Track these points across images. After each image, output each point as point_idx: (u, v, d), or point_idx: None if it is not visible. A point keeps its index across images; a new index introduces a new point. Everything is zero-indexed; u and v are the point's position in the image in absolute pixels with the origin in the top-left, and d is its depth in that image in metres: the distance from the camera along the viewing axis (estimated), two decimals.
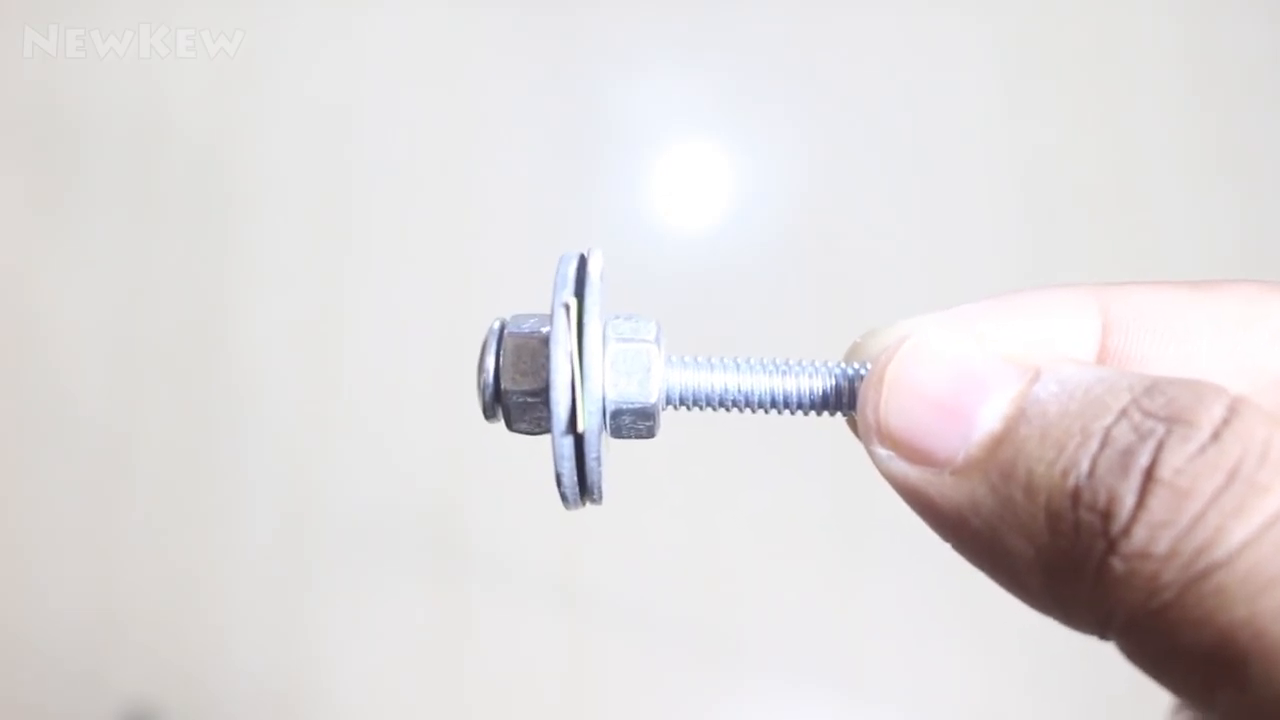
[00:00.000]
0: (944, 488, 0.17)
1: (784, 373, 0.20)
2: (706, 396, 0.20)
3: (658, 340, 0.20)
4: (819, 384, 0.20)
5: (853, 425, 0.20)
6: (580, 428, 0.18)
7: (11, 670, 0.92)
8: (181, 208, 1.00)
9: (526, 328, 0.20)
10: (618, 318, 0.20)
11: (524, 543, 0.92)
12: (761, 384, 0.20)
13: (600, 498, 0.19)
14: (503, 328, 0.20)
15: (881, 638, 0.91)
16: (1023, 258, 0.98)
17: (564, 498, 0.19)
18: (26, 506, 0.94)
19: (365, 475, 0.94)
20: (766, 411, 0.20)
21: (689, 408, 0.20)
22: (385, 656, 0.91)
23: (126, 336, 0.97)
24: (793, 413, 0.20)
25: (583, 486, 0.19)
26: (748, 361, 0.20)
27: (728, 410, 0.20)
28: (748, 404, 0.20)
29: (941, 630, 0.90)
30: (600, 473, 0.19)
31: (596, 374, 0.18)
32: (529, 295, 0.99)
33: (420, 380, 0.95)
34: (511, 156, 1.01)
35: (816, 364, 0.20)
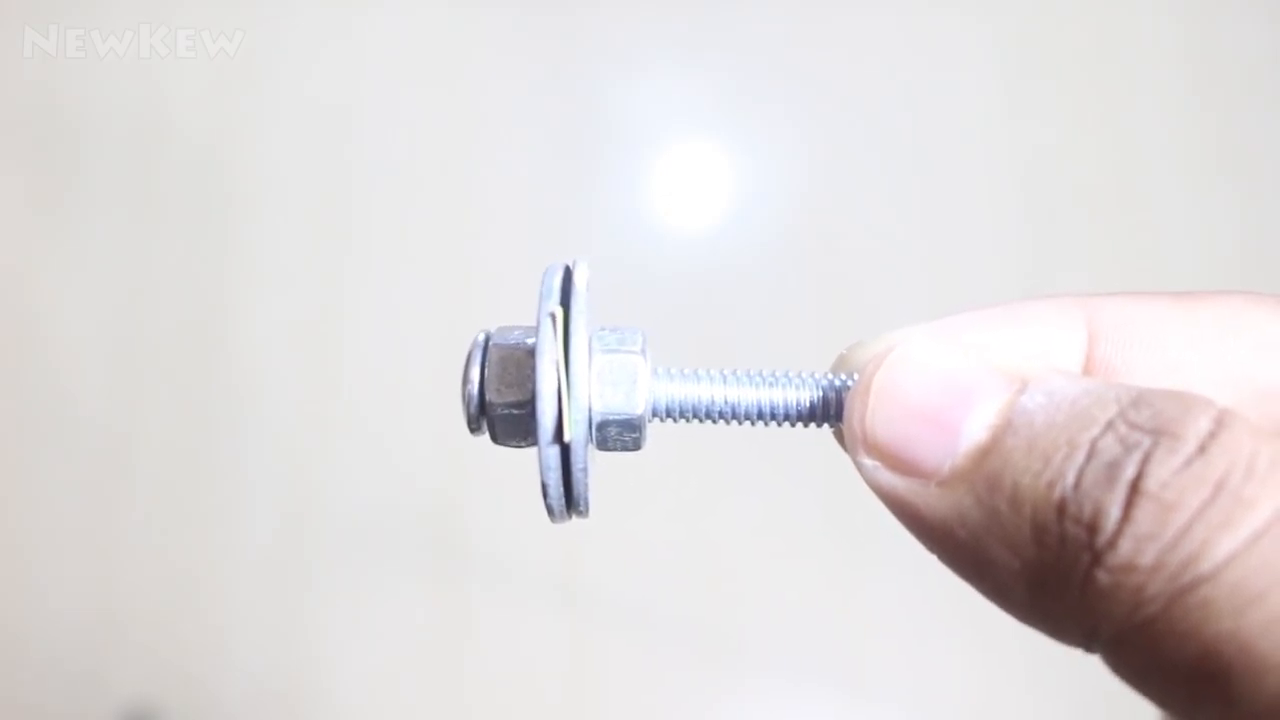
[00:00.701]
0: (930, 499, 0.17)
1: (771, 384, 0.20)
2: (693, 408, 0.20)
3: (644, 352, 0.19)
4: (806, 395, 0.20)
5: (840, 436, 0.20)
6: (566, 438, 0.18)
7: (11, 670, 0.92)
8: (181, 208, 1.00)
9: (511, 339, 0.19)
10: (604, 329, 0.20)
11: (524, 543, 0.92)
12: (748, 396, 0.20)
13: (586, 510, 0.19)
14: (487, 340, 0.20)
15: (882, 637, 0.91)
16: (1023, 258, 0.98)
17: (550, 510, 0.19)
18: (26, 506, 0.94)
19: (365, 475, 0.94)
20: (754, 423, 0.20)
21: (675, 419, 0.20)
22: (385, 656, 0.91)
23: (126, 336, 0.97)
24: (780, 424, 0.20)
25: (569, 498, 0.19)
26: (734, 373, 0.20)
27: (714, 422, 0.20)
28: (735, 416, 0.20)
29: (942, 630, 0.90)
30: (586, 484, 0.19)
31: (583, 384, 0.18)
32: (529, 296, 0.99)
33: (420, 380, 0.95)
34: (511, 156, 1.01)
35: (803, 375, 0.20)
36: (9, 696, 0.92)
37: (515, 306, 0.97)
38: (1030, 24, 1.04)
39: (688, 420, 0.20)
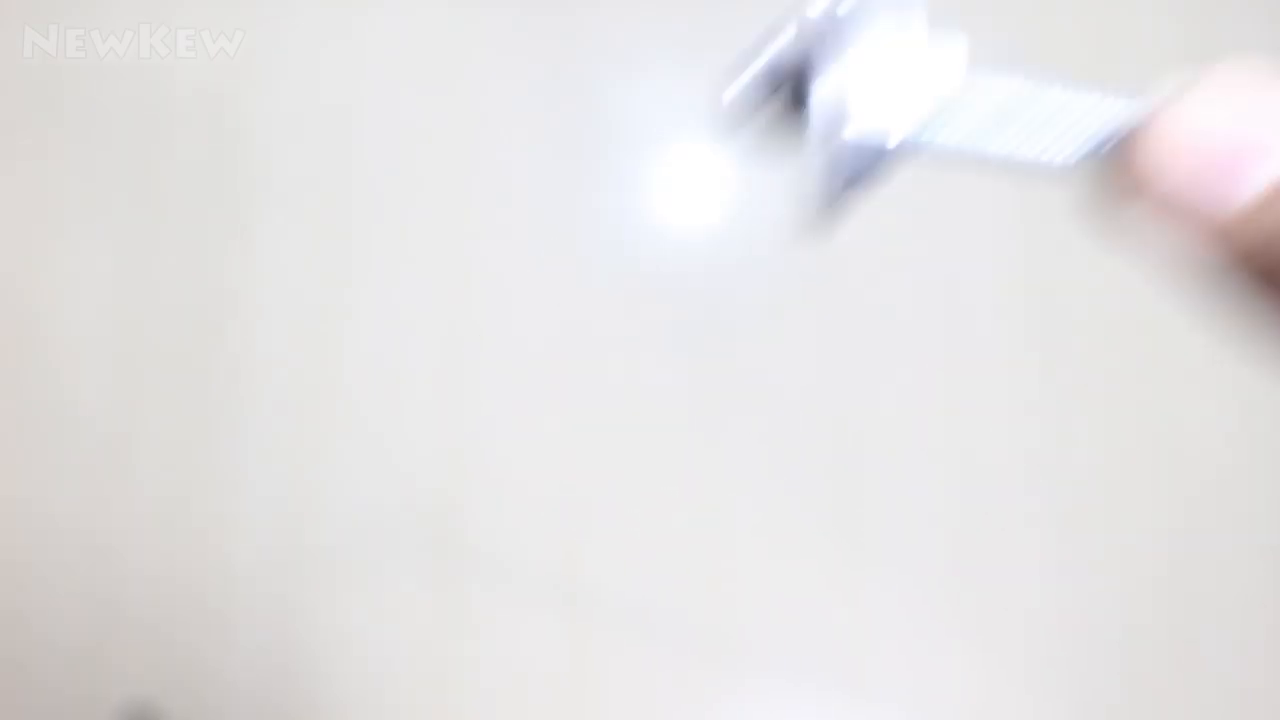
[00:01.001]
0: (1208, 237, 0.17)
1: (1073, 90, 0.18)
2: (979, 124, 0.18)
3: (939, 59, 0.18)
4: (1103, 116, 0.19)
5: (1117, 175, 0.19)
6: (844, 140, 0.17)
7: (12, 670, 0.92)
8: (181, 208, 1.00)
9: (808, 31, 0.19)
10: (902, 27, 0.18)
11: (524, 543, 0.92)
12: (1043, 103, 0.18)
13: (839, 224, 0.18)
14: (793, 26, 0.19)
15: (882, 637, 0.91)
16: (1022, 258, 0.98)
17: (811, 219, 0.18)
18: (26, 506, 0.94)
19: (365, 475, 0.94)
20: (1033, 154, 0.18)
21: (950, 146, 0.18)
22: (385, 656, 0.91)
23: (126, 336, 0.97)
24: (1068, 157, 0.18)
25: (831, 204, 0.18)
26: (1030, 81, 0.19)
27: (997, 154, 0.18)
28: (1021, 133, 0.18)
29: (942, 630, 0.90)
30: (848, 192, 0.18)
31: (861, 86, 0.17)
32: (530, 295, 0.99)
33: (420, 380, 0.95)
34: (511, 156, 1.01)
35: (1102, 96, 0.19)
36: (9, 696, 0.92)
37: (516, 306, 0.97)
38: (1030, 24, 1.04)
39: (973, 140, 0.18)
